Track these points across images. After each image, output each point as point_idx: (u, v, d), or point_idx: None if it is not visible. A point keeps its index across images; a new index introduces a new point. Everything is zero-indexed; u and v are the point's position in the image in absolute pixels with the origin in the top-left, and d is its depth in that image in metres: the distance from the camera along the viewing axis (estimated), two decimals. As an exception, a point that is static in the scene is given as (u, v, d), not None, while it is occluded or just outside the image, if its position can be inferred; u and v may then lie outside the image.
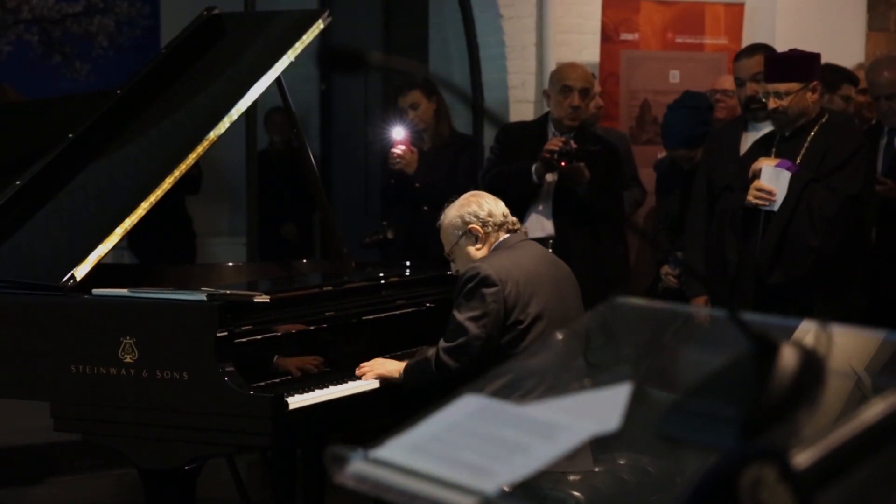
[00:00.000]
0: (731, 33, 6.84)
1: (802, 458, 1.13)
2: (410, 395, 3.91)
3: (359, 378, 3.97)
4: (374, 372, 3.96)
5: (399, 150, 5.73)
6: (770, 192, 4.53)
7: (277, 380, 3.84)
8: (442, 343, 3.84)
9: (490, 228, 3.94)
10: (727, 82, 5.84)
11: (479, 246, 3.95)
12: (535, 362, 2.95)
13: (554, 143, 5.41)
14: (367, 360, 4.06)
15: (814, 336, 1.30)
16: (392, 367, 3.97)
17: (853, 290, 4.70)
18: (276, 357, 3.90)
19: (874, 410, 1.20)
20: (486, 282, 3.78)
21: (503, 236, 3.96)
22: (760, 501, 1.08)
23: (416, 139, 5.89)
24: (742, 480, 1.09)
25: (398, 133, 5.78)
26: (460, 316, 3.81)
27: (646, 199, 6.19)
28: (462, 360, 3.78)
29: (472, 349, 3.78)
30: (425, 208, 5.76)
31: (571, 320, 3.77)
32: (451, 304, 4.18)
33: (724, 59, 6.59)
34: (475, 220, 3.94)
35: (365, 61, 1.45)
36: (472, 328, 3.78)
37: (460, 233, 3.95)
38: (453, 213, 3.98)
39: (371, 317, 4.25)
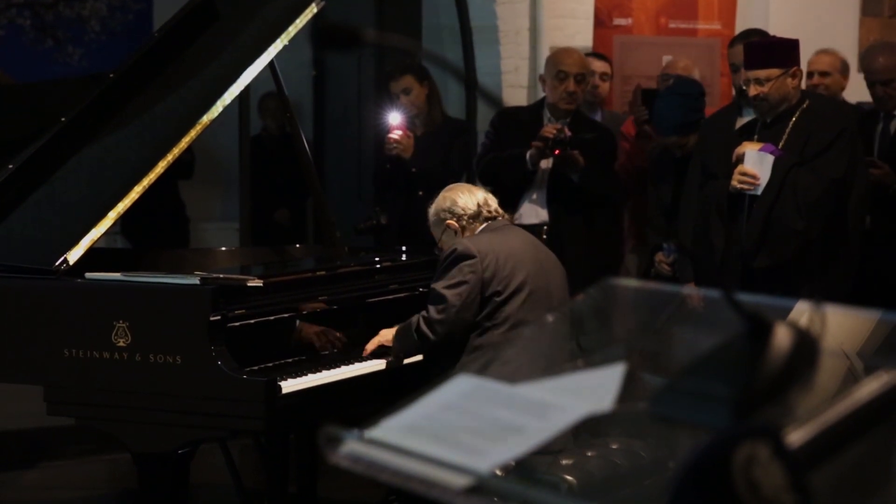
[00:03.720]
0: (724, 18, 6.84)
1: (795, 437, 1.14)
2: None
3: (356, 361, 3.99)
4: (375, 344, 4.06)
5: (396, 135, 5.71)
6: (754, 177, 4.55)
7: (270, 364, 3.84)
8: (423, 313, 3.99)
9: (465, 221, 4.12)
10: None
11: (458, 239, 4.10)
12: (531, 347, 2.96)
13: (548, 130, 5.41)
14: (362, 343, 4.07)
15: (808, 316, 1.30)
16: (389, 335, 4.08)
17: (838, 272, 4.72)
18: (298, 322, 3.96)
19: (867, 389, 1.20)
20: (464, 255, 3.95)
21: (482, 226, 4.12)
22: (753, 479, 1.08)
23: (408, 124, 5.88)
24: (735, 459, 1.09)
25: (394, 118, 5.77)
26: (438, 286, 3.98)
27: None
28: (438, 329, 3.94)
29: (448, 316, 3.93)
30: (420, 193, 5.76)
31: (555, 299, 3.89)
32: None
33: (718, 44, 6.59)
34: (450, 215, 4.12)
35: (359, 38, 1.45)
36: (449, 296, 3.94)
37: (440, 229, 4.16)
38: (433, 209, 4.18)
39: (364, 301, 4.25)
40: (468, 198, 4.12)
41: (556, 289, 4.04)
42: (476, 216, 4.10)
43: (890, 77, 5.40)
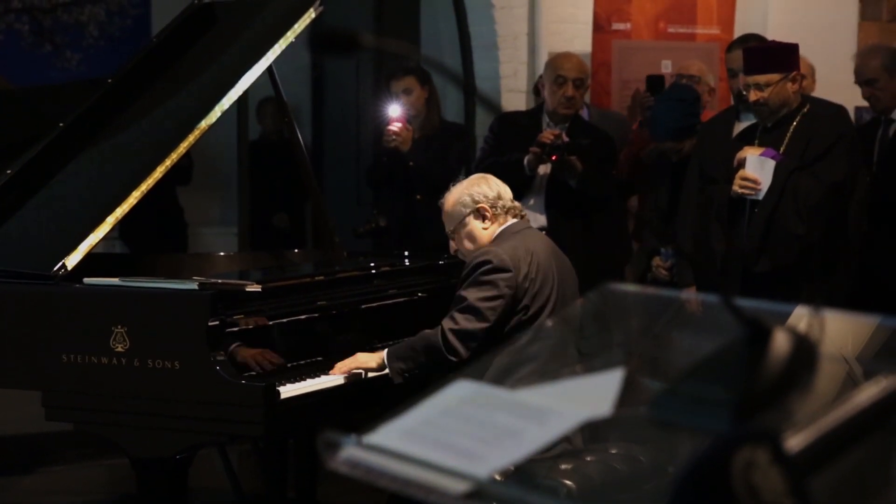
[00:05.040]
0: (723, 23, 6.84)
1: (795, 442, 1.14)
2: (401, 379, 3.84)
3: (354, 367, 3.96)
4: (346, 367, 3.86)
5: (395, 127, 5.70)
6: (755, 181, 4.56)
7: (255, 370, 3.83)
8: (450, 325, 3.77)
9: (499, 210, 3.93)
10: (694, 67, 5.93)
11: (486, 225, 3.93)
12: (530, 351, 2.95)
13: (546, 135, 5.41)
14: (360, 349, 4.06)
15: (807, 321, 1.30)
16: (364, 358, 3.89)
17: (838, 276, 4.72)
18: (234, 345, 3.77)
19: (866, 394, 1.20)
20: (501, 267, 3.78)
21: (510, 220, 3.95)
22: (753, 484, 1.08)
23: (407, 118, 5.87)
24: (735, 463, 1.09)
25: (394, 111, 5.75)
26: (472, 297, 3.76)
27: None
28: (471, 343, 3.74)
29: (480, 331, 3.75)
30: (418, 197, 5.76)
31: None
32: (441, 293, 4.18)
33: (717, 48, 6.59)
34: (484, 199, 3.92)
35: (357, 43, 1.45)
36: (485, 310, 3.75)
37: (468, 210, 3.93)
38: (461, 190, 3.96)
39: (363, 306, 4.25)
40: (504, 190, 3.99)
41: (570, 298, 3.92)
42: (508, 210, 3.95)
43: (872, 77, 5.46)
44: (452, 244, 4.03)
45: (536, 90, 6.29)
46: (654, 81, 5.85)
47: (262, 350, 3.84)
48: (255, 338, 3.84)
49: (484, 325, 3.75)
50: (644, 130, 5.90)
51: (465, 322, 3.76)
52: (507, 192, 3.98)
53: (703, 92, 5.83)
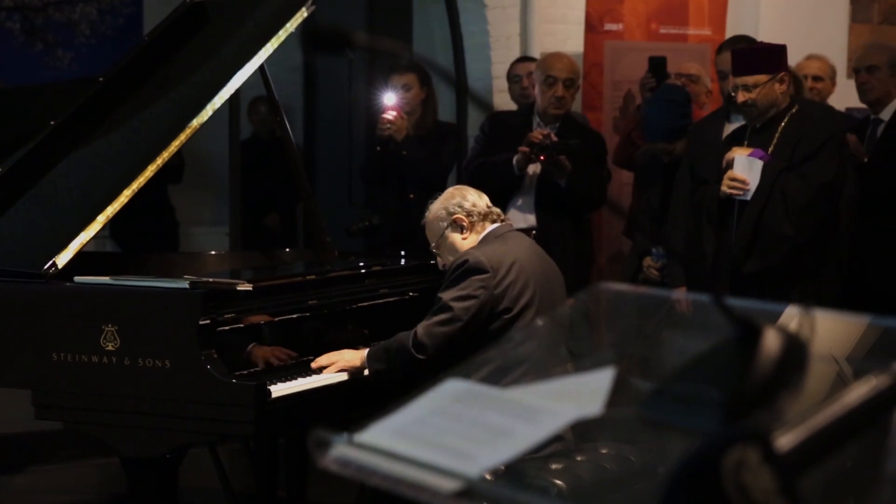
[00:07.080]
0: (714, 24, 6.85)
1: (785, 441, 1.14)
2: (376, 381, 3.87)
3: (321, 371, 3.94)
4: (337, 365, 3.91)
5: (390, 115, 5.70)
6: (743, 182, 4.57)
7: (260, 368, 3.83)
8: (423, 324, 3.83)
9: (475, 218, 3.99)
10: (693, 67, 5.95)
11: (465, 235, 3.99)
12: (521, 351, 2.95)
13: (535, 135, 5.41)
14: (351, 348, 4.05)
15: (797, 321, 1.30)
16: (350, 356, 3.93)
17: (827, 276, 4.73)
18: (251, 345, 3.88)
19: (856, 394, 1.20)
20: (478, 268, 3.82)
21: (490, 226, 4.01)
22: (743, 483, 1.08)
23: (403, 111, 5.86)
24: (725, 463, 1.09)
25: (389, 99, 5.76)
26: (445, 296, 3.82)
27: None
28: (439, 341, 3.79)
29: (451, 329, 3.79)
30: (412, 196, 5.76)
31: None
32: (433, 293, 4.17)
33: (708, 49, 6.60)
34: (459, 209, 3.99)
35: (348, 41, 1.45)
36: (456, 308, 3.79)
37: (445, 224, 4.00)
38: (437, 206, 4.04)
39: (354, 306, 4.25)
40: (478, 198, 4.04)
41: (558, 300, 3.96)
42: (485, 216, 4.00)
43: (875, 64, 5.46)
44: (440, 260, 4.06)
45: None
46: (657, 63, 5.84)
47: (273, 348, 3.91)
48: (245, 336, 3.84)
49: (457, 324, 3.79)
50: (637, 114, 5.91)
51: (437, 320, 3.81)
52: (482, 200, 4.03)
53: (701, 93, 5.84)
